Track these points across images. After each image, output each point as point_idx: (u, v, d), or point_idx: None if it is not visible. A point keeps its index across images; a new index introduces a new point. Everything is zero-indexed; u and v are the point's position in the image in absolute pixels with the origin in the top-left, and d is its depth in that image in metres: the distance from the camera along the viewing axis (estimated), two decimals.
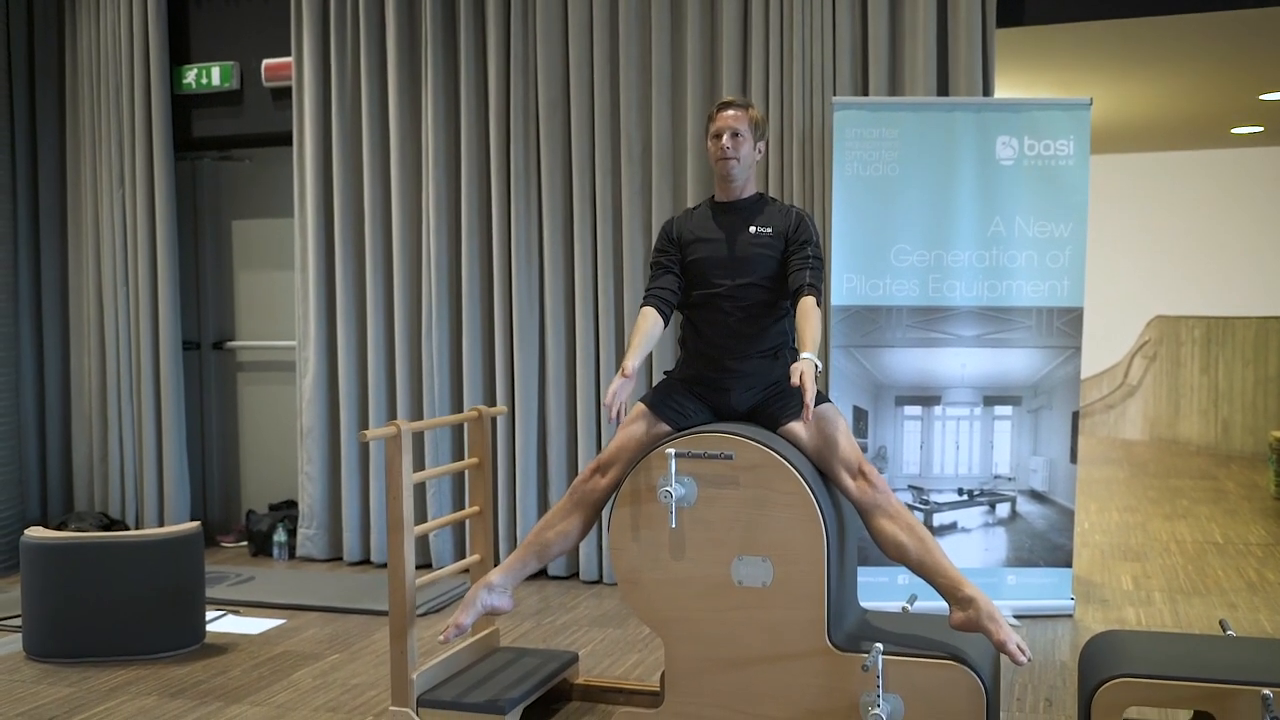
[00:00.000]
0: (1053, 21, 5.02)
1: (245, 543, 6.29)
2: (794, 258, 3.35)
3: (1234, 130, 8.72)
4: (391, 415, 5.83)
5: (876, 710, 3.02)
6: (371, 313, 5.80)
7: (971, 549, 4.77)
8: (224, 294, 6.58)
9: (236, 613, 4.97)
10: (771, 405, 3.34)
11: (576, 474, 5.47)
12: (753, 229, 3.39)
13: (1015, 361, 4.75)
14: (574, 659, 3.83)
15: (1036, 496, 4.79)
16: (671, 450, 3.17)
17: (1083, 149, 4.68)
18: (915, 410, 4.76)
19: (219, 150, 6.48)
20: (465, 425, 5.49)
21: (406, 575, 3.41)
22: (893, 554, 3.25)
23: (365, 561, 5.91)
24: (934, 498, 4.79)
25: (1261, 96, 7.21)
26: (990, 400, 4.77)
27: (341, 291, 5.85)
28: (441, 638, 3.38)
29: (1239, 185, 9.97)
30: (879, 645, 3.03)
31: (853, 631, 3.27)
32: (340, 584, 5.42)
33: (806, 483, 3.15)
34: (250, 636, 4.63)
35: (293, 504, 6.32)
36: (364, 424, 5.90)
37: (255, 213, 6.50)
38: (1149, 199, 10.93)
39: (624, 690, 3.79)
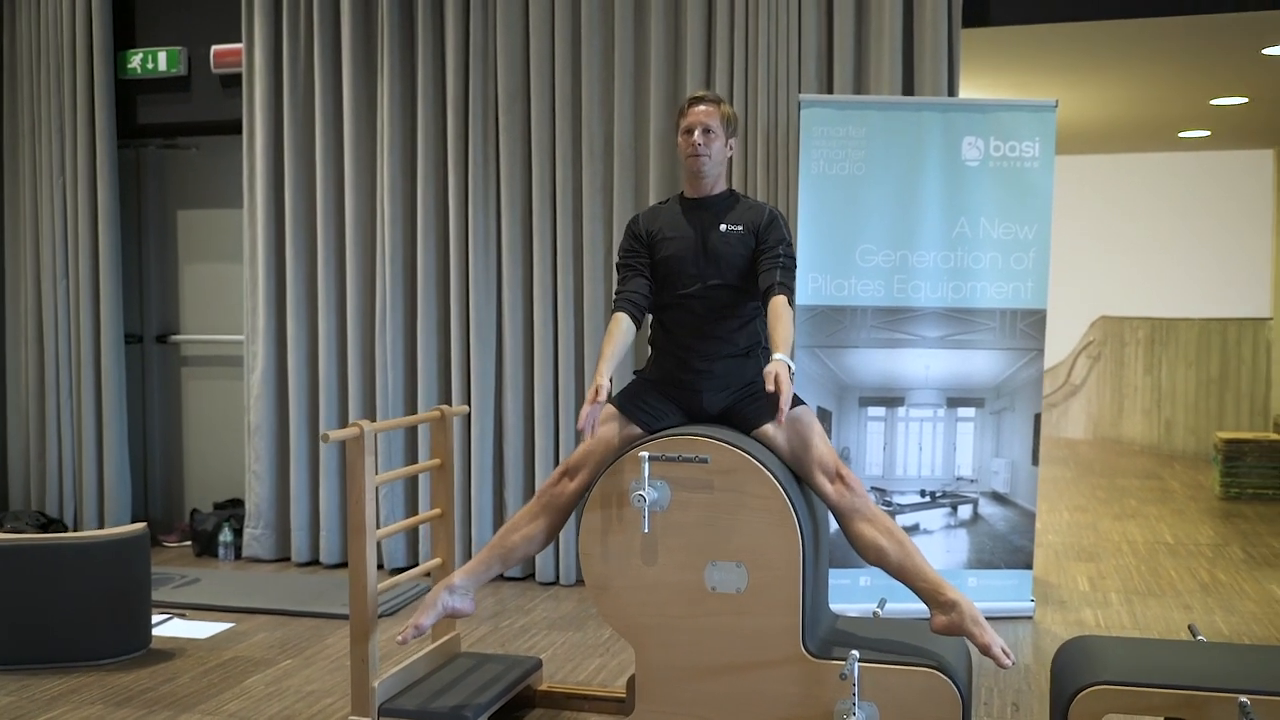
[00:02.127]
0: (1018, 23, 5.01)
1: (189, 543, 6.12)
2: (765, 256, 3.29)
3: (1181, 134, 8.82)
4: (343, 413, 5.70)
5: (854, 718, 2.97)
6: (323, 307, 5.66)
7: (933, 551, 4.75)
8: (168, 286, 6.40)
9: (183, 616, 4.82)
10: (744, 408, 3.28)
11: (534, 475, 5.40)
12: (723, 227, 3.32)
13: (978, 363, 4.73)
14: (537, 665, 3.74)
15: (998, 498, 4.79)
16: (645, 453, 3.10)
17: (1048, 151, 4.67)
18: (879, 411, 4.73)
19: (165, 138, 6.29)
20: (425, 425, 5.37)
21: (368, 580, 3.30)
22: (872, 558, 3.20)
23: (314, 562, 5.77)
24: (896, 499, 4.76)
25: (1212, 101, 7.29)
26: (953, 402, 4.75)
27: (292, 285, 5.70)
28: (400, 639, 3.27)
29: (1184, 189, 10.11)
30: (855, 653, 2.98)
31: (826, 638, 3.22)
32: (289, 586, 5.28)
33: (782, 486, 3.09)
34: (198, 641, 4.48)
35: (238, 503, 6.16)
36: (314, 421, 5.76)
37: (202, 203, 6.32)
38: (1095, 201, 11.04)
39: (589, 697, 3.72)
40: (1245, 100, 7.20)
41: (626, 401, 3.31)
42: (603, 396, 3.08)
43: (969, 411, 4.76)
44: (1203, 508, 7.38)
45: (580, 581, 5.38)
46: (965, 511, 4.78)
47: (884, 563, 3.20)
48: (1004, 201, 4.69)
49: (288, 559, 5.82)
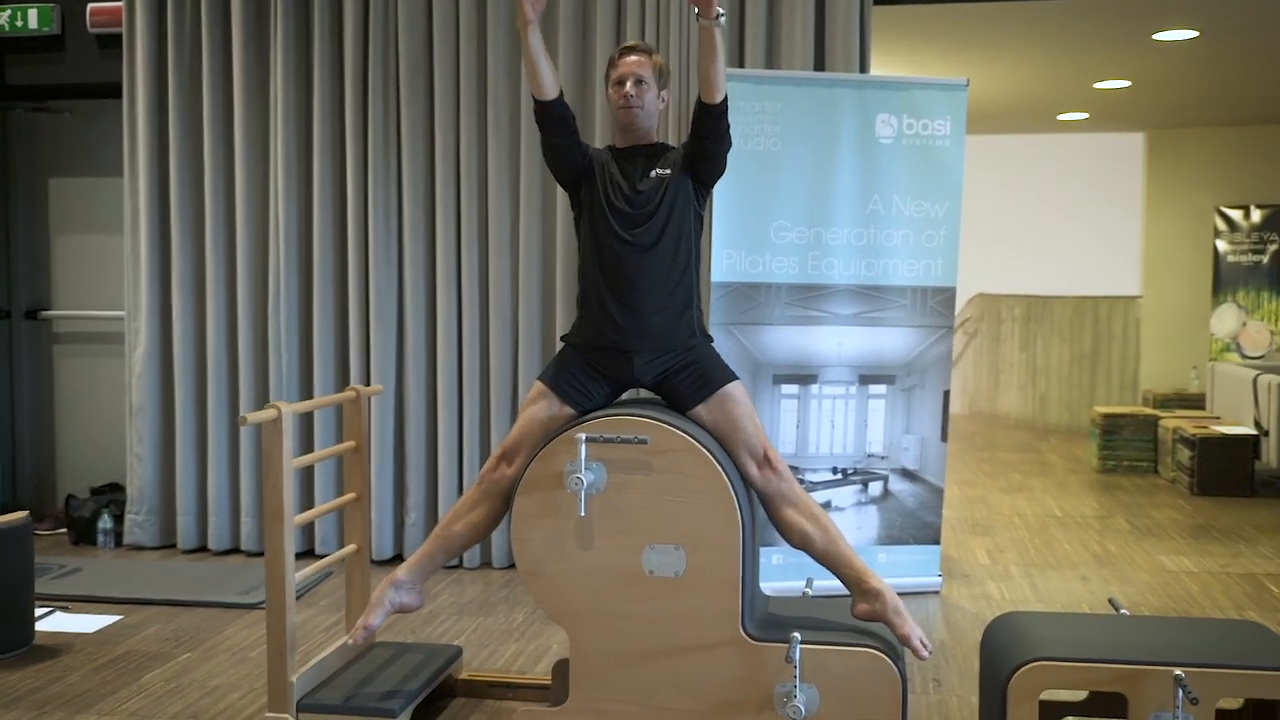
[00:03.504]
0: (927, 1, 5.03)
1: (65, 530, 5.79)
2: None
3: (1060, 116, 9.04)
4: (234, 393, 5.45)
5: (795, 701, 2.93)
6: (212, 282, 5.39)
7: (844, 527, 4.76)
8: (39, 258, 6.02)
9: (66, 609, 4.55)
10: (678, 384, 3.19)
11: (436, 457, 5.24)
12: (653, 173, 3.19)
13: (890, 340, 4.75)
14: (458, 653, 3.62)
15: (908, 475, 4.82)
16: (582, 435, 3.00)
17: (959, 129, 4.70)
18: (792, 389, 4.72)
19: (35, 101, 5.90)
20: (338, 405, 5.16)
21: (287, 568, 3.14)
22: (797, 543, 3.17)
23: (202, 549, 5.52)
24: (809, 477, 4.76)
25: (1096, 85, 7.47)
26: (865, 379, 4.76)
27: (178, 258, 5.42)
28: (349, 640, 3.14)
29: (1061, 170, 10.40)
30: (797, 635, 2.94)
31: (763, 619, 3.18)
32: (178, 574, 5.03)
33: (721, 468, 3.02)
34: (85, 636, 4.23)
35: (118, 487, 5.86)
36: (202, 402, 5.49)
37: (76, 170, 5.96)
38: (974, 181, 11.28)
39: (511, 685, 3.61)
40: (1128, 84, 7.41)
41: (557, 378, 3.20)
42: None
43: (880, 389, 4.78)
44: (1083, 480, 7.61)
45: (484, 564, 5.26)
46: (876, 488, 4.81)
47: (809, 548, 3.17)
48: (916, 179, 4.71)
49: (173, 546, 5.55)
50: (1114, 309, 10.02)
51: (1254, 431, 7.06)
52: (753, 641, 3.03)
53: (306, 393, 5.36)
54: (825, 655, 3.01)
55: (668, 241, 3.16)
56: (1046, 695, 3.60)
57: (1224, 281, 9.47)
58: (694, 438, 3.03)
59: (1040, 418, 10.42)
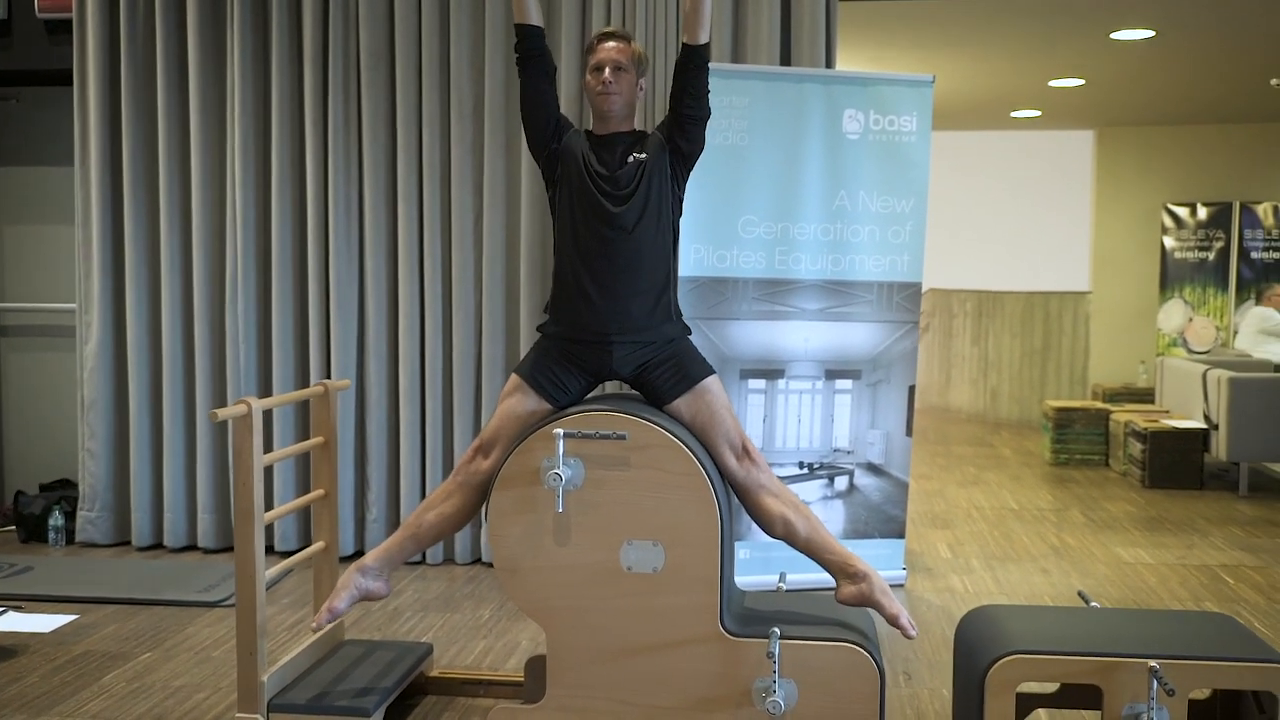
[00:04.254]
0: None
1: (14, 528, 5.65)
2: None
3: (1013, 114, 9.13)
4: (190, 387, 5.35)
5: (775, 696, 2.93)
6: (166, 274, 5.29)
7: None
8: None
9: (19, 608, 4.43)
10: (656, 378, 3.17)
11: (399, 451, 5.18)
12: (630, 157, 3.16)
13: (856, 335, 4.77)
14: (429, 650, 3.58)
15: (873, 469, 4.84)
16: (560, 430, 2.97)
17: (925, 125, 4.72)
18: (759, 384, 4.71)
19: None
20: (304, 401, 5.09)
21: (257, 566, 3.08)
22: (780, 533, 3.16)
23: (158, 546, 5.41)
24: (775, 471, 4.74)
25: (1051, 83, 7.55)
26: (831, 374, 4.77)
27: (131, 249, 5.30)
28: (314, 625, 3.08)
29: (1011, 166, 10.51)
30: (776, 630, 2.93)
31: (740, 615, 3.17)
32: (133, 572, 4.93)
33: (700, 463, 3.01)
34: (41, 636, 4.13)
35: (68, 483, 5.73)
36: (157, 396, 5.38)
37: (23, 159, 5.82)
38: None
39: (483, 682, 3.57)
40: (1082, 82, 7.49)
41: (533, 372, 3.16)
42: None
43: (846, 384, 4.79)
44: (1037, 474, 7.70)
45: (448, 560, 5.21)
46: (842, 483, 4.82)
47: (792, 537, 3.17)
48: (882, 175, 4.72)
49: (127, 543, 5.44)
50: (1064, 304, 10.15)
51: (1204, 425, 7.18)
52: (731, 637, 3.02)
53: (265, 387, 5.28)
54: (804, 650, 3.00)
55: (646, 224, 3.13)
56: (1019, 688, 3.63)
57: (1171, 277, 9.63)
58: (672, 433, 3.02)
59: (991, 411, 10.53)
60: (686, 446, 3.01)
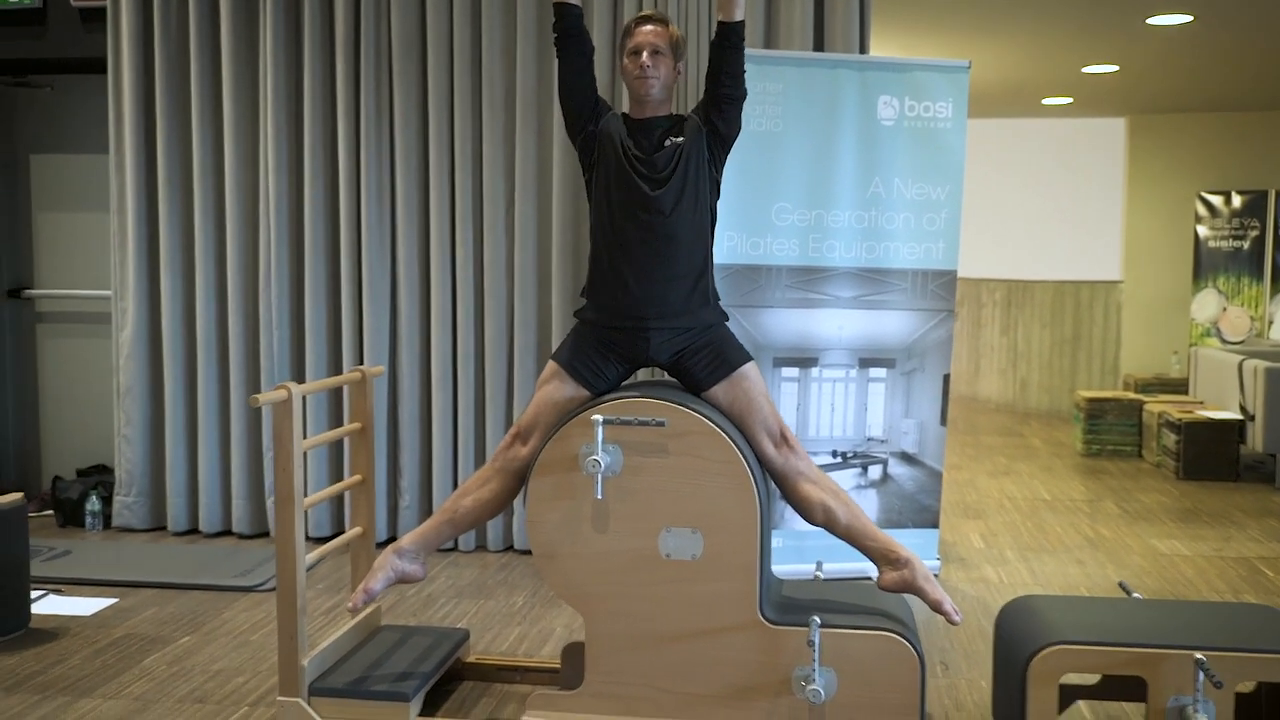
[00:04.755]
0: None
1: (52, 512, 5.70)
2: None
3: (1044, 101, 9.06)
4: (224, 373, 5.38)
5: (814, 685, 2.92)
6: (201, 260, 5.31)
7: None
8: (20, 236, 5.91)
9: (59, 592, 4.48)
10: (693, 365, 3.16)
11: (431, 438, 5.19)
12: (667, 141, 3.14)
13: (890, 324, 4.74)
14: (465, 636, 3.59)
15: (907, 458, 4.82)
16: (599, 416, 2.97)
17: (960, 112, 4.69)
18: (793, 372, 4.70)
19: (14, 75, 5.78)
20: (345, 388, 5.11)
21: (298, 551, 3.09)
22: (819, 520, 3.15)
23: (193, 531, 5.45)
24: None
25: (1084, 69, 7.48)
26: (865, 362, 4.75)
27: (166, 237, 5.33)
28: (350, 605, 3.10)
29: (1042, 155, 10.43)
30: (816, 619, 2.92)
31: (778, 603, 3.17)
32: (170, 557, 4.96)
33: (739, 450, 3.00)
34: (82, 619, 4.16)
35: (105, 469, 5.78)
36: (191, 383, 5.41)
37: (58, 147, 5.85)
38: None
39: (519, 668, 3.58)
40: (1115, 69, 7.42)
41: (571, 358, 3.16)
42: None
43: (880, 372, 4.77)
44: (1069, 465, 7.65)
45: (480, 548, 5.23)
46: (875, 472, 4.80)
47: (832, 524, 3.15)
48: (917, 162, 4.69)
49: (163, 528, 5.48)
50: (1095, 293, 10.07)
51: (1239, 416, 7.12)
52: (770, 625, 3.01)
53: (298, 374, 5.30)
54: (844, 639, 2.99)
55: (684, 207, 3.11)
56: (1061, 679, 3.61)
57: (1205, 267, 9.54)
58: (712, 420, 3.01)
59: (1021, 401, 10.47)
60: (726, 434, 3.00)
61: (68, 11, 5.55)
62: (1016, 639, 3.04)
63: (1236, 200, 9.42)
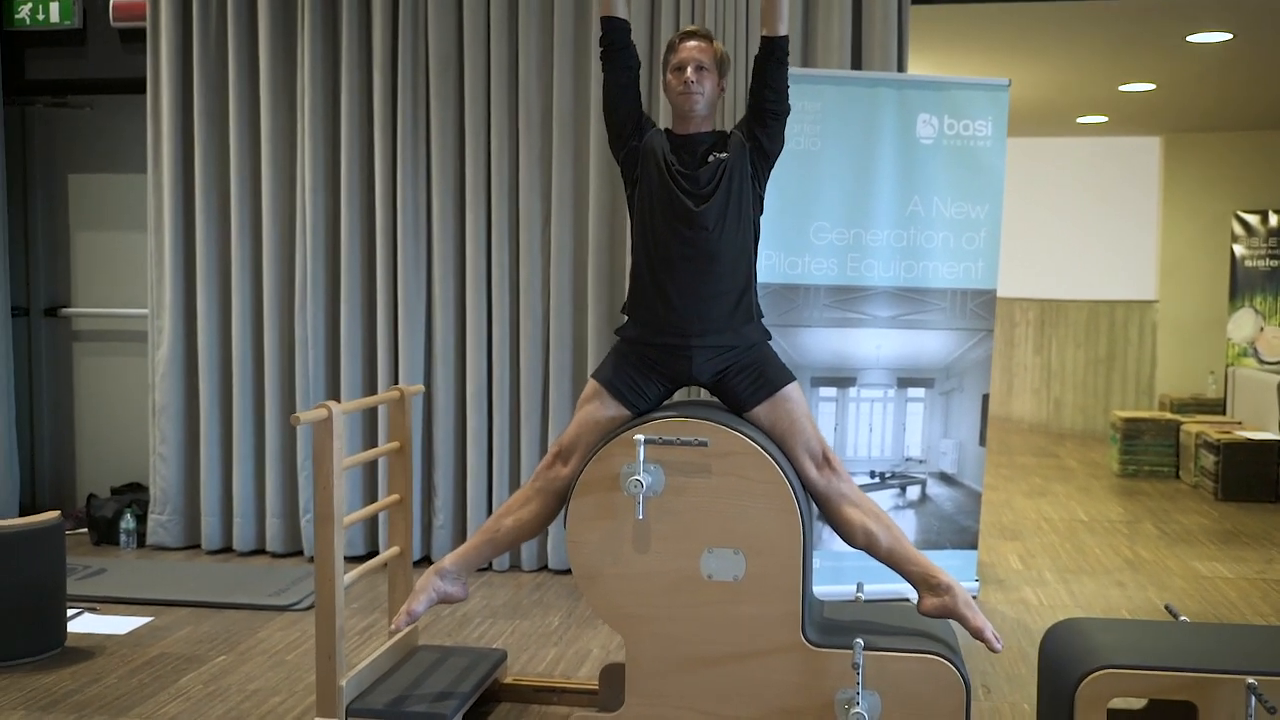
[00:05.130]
0: (966, 1, 4.98)
1: (86, 530, 5.72)
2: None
3: (1079, 119, 9.00)
4: (259, 392, 5.39)
5: (858, 709, 2.88)
6: (237, 280, 5.33)
7: None
8: (58, 255, 5.96)
9: (94, 610, 4.48)
10: (736, 384, 3.13)
11: (464, 459, 5.18)
12: (711, 157, 3.11)
13: (929, 343, 4.70)
14: (503, 657, 3.57)
15: (945, 479, 4.77)
16: (641, 436, 2.94)
17: (1000, 130, 4.65)
18: (830, 392, 4.66)
19: (55, 95, 5.84)
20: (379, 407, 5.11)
21: (336, 571, 3.08)
22: (860, 543, 3.11)
23: (227, 550, 5.45)
24: None
25: (1121, 87, 7.43)
26: (904, 382, 4.71)
27: (203, 256, 5.35)
28: (392, 626, 3.09)
29: (1075, 173, 10.35)
30: (860, 641, 2.88)
31: (820, 625, 3.13)
32: (204, 575, 4.96)
33: (782, 471, 2.97)
34: (117, 637, 4.16)
35: (139, 487, 5.80)
36: (227, 401, 5.43)
37: (97, 166, 5.90)
38: None
39: (557, 689, 3.55)
40: (1153, 87, 7.36)
41: (612, 378, 3.13)
42: None
43: (919, 392, 4.72)
44: (1105, 485, 7.56)
45: (514, 568, 5.20)
46: (914, 492, 4.76)
47: (873, 548, 3.12)
48: (957, 180, 4.65)
49: (197, 546, 5.49)
50: (1129, 313, 9.98)
51: (1279, 437, 7.02)
52: (813, 647, 2.98)
53: (334, 393, 5.30)
54: (888, 661, 2.95)
55: (729, 223, 3.08)
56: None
57: (1241, 286, 9.43)
58: (755, 440, 2.98)
59: (1055, 422, 10.38)
60: (769, 454, 2.97)
61: (107, 32, 5.60)
62: (1063, 662, 2.99)
63: (1274, 219, 9.33)
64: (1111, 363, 10.05)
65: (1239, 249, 9.42)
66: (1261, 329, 9.36)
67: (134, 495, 5.67)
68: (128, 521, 5.47)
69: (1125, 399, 9.91)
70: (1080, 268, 10.49)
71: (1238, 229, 9.42)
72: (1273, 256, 9.31)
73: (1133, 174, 10.15)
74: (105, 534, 5.54)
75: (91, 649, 4.02)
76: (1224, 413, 8.94)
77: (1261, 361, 9.30)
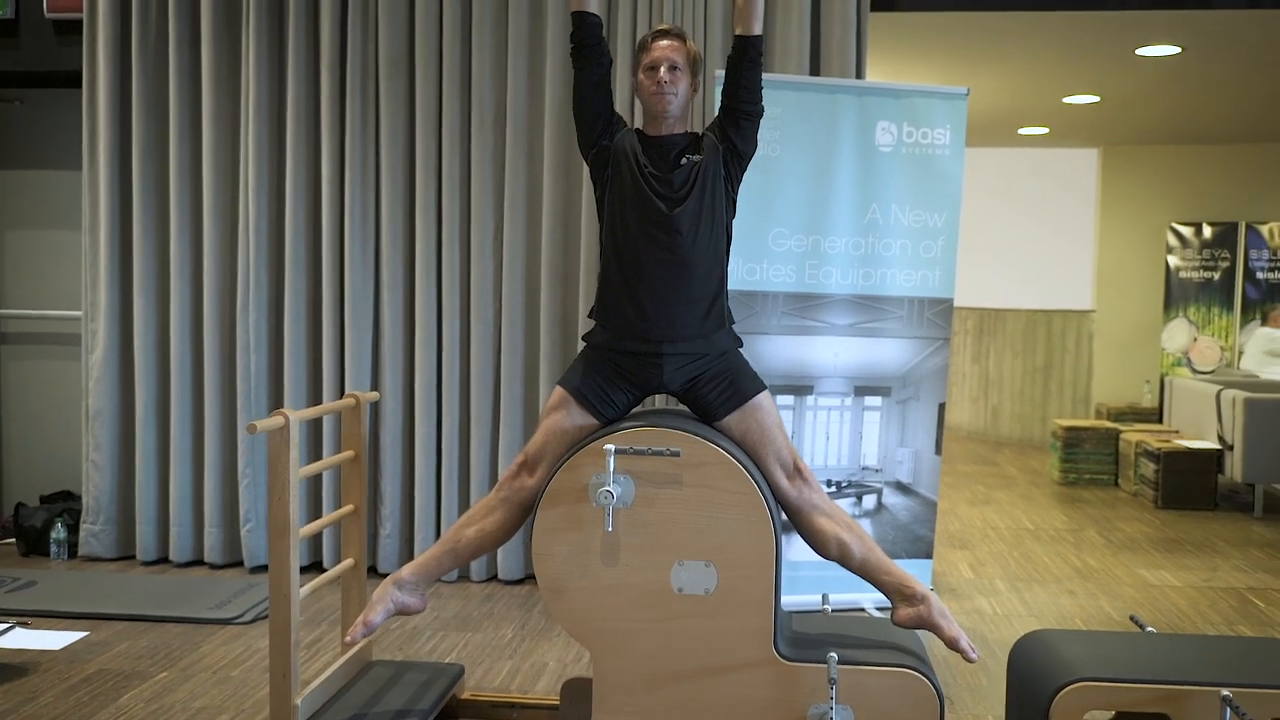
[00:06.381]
0: (926, 9, 4.98)
1: (13, 540, 5.50)
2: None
3: (1021, 130, 9.09)
4: (198, 398, 5.22)
5: None
6: (176, 282, 5.16)
7: None
8: None
9: (25, 624, 4.29)
10: (707, 393, 3.06)
11: (414, 466, 5.06)
12: (684, 159, 3.03)
13: (886, 352, 4.68)
14: (460, 672, 3.46)
15: (901, 488, 4.75)
16: (611, 446, 2.86)
17: (959, 139, 4.65)
18: (788, 400, 4.62)
19: None
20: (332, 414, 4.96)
21: (292, 584, 2.95)
22: (833, 554, 3.06)
23: (163, 560, 5.27)
24: None
25: (1065, 99, 7.50)
26: (861, 390, 4.68)
27: (140, 257, 5.17)
28: (347, 638, 2.96)
29: (1014, 183, 10.46)
30: (834, 655, 2.83)
31: (791, 638, 3.07)
32: (140, 587, 4.79)
33: (755, 482, 2.91)
34: (51, 653, 3.99)
35: (70, 495, 5.59)
36: (164, 407, 5.25)
37: (27, 162, 5.68)
38: None
39: (517, 705, 3.45)
40: (1097, 99, 7.44)
41: (580, 385, 3.04)
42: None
43: (875, 400, 4.70)
44: (1046, 493, 7.62)
45: (463, 579, 5.09)
46: (870, 501, 4.73)
47: (846, 558, 3.07)
48: (915, 188, 4.64)
49: (132, 557, 5.30)
50: (1067, 322, 10.11)
51: (1217, 446, 7.13)
52: (785, 661, 2.92)
53: (276, 399, 5.15)
54: (861, 675, 2.90)
55: (702, 228, 3.00)
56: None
57: (1175, 297, 9.59)
58: (727, 451, 2.91)
59: (992, 429, 10.47)
60: (741, 465, 2.91)
61: (41, 22, 5.40)
62: (1035, 675, 2.96)
63: (1207, 231, 9.49)
64: (1049, 371, 10.17)
65: (1173, 260, 9.57)
66: (1195, 339, 9.52)
67: (65, 504, 5.47)
68: (59, 531, 5.27)
69: (1062, 408, 10.03)
70: (1019, 277, 10.60)
71: (1172, 240, 9.57)
72: (1206, 268, 9.48)
73: (1071, 185, 10.28)
74: (34, 544, 5.33)
75: (24, 665, 3.84)
76: (1160, 421, 9.07)
77: (1195, 371, 9.46)
